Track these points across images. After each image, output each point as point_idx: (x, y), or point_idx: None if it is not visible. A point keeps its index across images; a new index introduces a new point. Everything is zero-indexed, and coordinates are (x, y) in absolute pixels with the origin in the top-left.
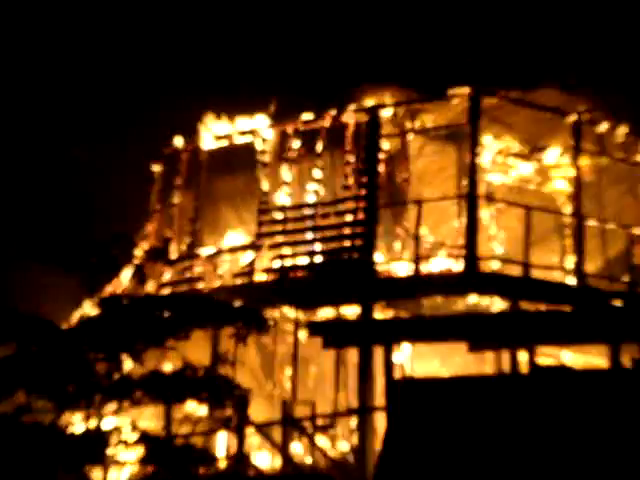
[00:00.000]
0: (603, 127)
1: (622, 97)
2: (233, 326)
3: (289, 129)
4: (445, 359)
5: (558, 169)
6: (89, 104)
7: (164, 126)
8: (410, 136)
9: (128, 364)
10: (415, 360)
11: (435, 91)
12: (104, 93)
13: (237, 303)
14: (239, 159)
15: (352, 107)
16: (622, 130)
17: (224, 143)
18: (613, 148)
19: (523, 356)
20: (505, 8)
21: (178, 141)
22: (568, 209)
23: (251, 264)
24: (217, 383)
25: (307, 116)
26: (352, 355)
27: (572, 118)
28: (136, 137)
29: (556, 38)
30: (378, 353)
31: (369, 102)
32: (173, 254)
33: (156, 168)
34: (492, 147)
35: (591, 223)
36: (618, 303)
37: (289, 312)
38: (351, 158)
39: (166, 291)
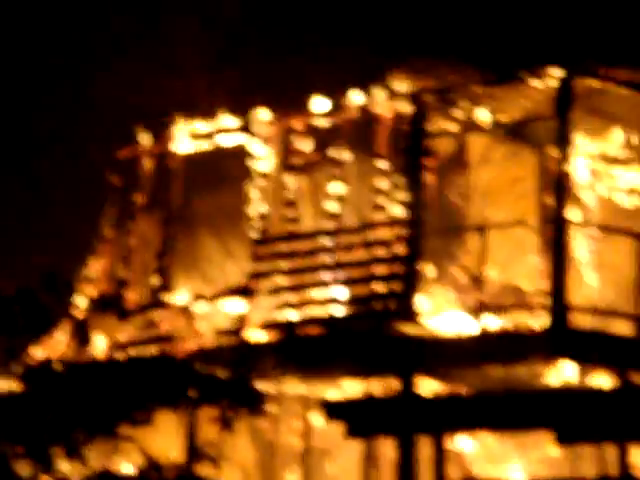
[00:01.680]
0: None
1: None
2: (216, 405)
3: (297, 125)
4: (524, 455)
5: None
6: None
7: (124, 120)
8: (470, 134)
9: (63, 463)
10: (480, 456)
11: (507, 71)
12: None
13: (222, 372)
14: (226, 168)
15: (387, 93)
16: None
17: (205, 145)
18: None
19: (637, 453)
20: None
21: (141, 140)
22: None
23: (242, 317)
24: None
25: (322, 106)
26: (387, 448)
27: None
28: (79, 136)
29: None
30: (425, 445)
31: (410, 85)
32: (131, 303)
33: (110, 179)
34: (589, 150)
35: None
36: None
37: (297, 386)
38: (385, 166)
39: (121, 356)
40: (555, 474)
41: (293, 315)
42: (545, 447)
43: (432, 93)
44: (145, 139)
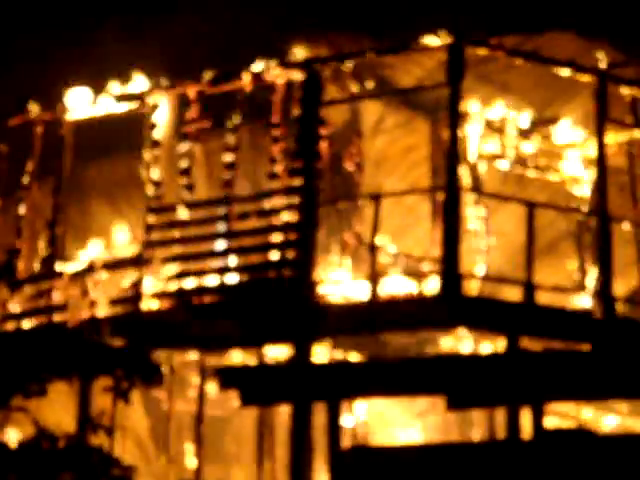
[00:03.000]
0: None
1: None
2: (110, 375)
3: (191, 92)
4: (417, 420)
5: (574, 149)
6: None
7: (14, 86)
8: (364, 103)
9: None
10: (373, 422)
11: (399, 39)
12: None
13: (116, 342)
14: (119, 135)
15: (280, 61)
16: None
17: (98, 112)
18: None
19: (526, 416)
20: None
21: (31, 108)
22: (588, 205)
23: (136, 286)
24: (86, 458)
25: (216, 75)
26: (282, 415)
27: (593, 75)
28: None
29: None
30: (319, 412)
31: (305, 54)
32: (22, 273)
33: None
34: (480, 118)
35: (621, 225)
36: None
37: (191, 355)
38: (280, 134)
39: (11, 326)
40: (448, 438)
41: (188, 284)
42: (438, 412)
43: (325, 61)
44: (36, 107)
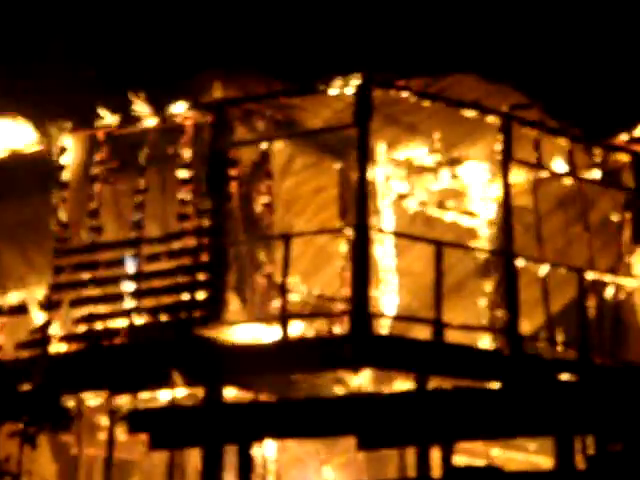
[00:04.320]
0: (541, 130)
1: (566, 90)
2: (17, 421)
3: (100, 134)
4: (329, 460)
5: (480, 188)
6: None
7: None
8: (273, 144)
9: None
10: (286, 462)
11: (308, 81)
12: None
13: (23, 386)
14: (28, 178)
15: (190, 102)
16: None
17: (3, 153)
18: (556, 159)
19: (436, 454)
20: None
21: None
22: (494, 245)
23: (44, 329)
24: None
25: (124, 116)
26: (193, 457)
27: (498, 117)
28: None
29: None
30: (231, 454)
31: (216, 95)
32: None
33: None
34: (388, 158)
35: (526, 264)
36: (566, 377)
37: (101, 398)
38: (189, 175)
39: None
40: (360, 477)
41: (97, 326)
42: (349, 452)
43: (234, 103)
44: None
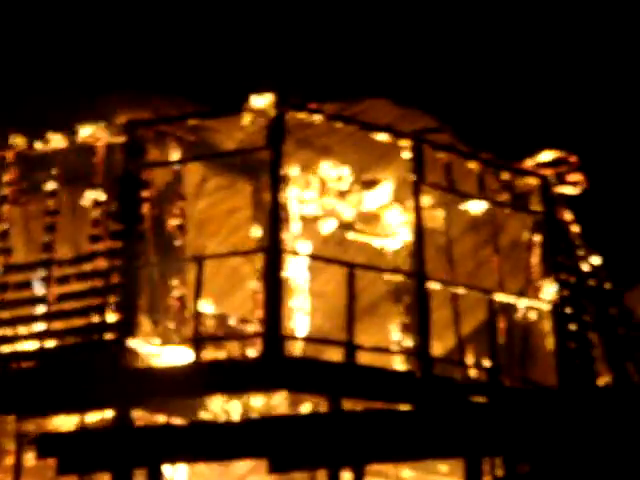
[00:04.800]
0: (451, 154)
1: (476, 115)
2: None
3: (8, 155)
4: None
5: (392, 211)
6: None
7: None
8: (186, 165)
9: None
10: None
11: (221, 103)
12: None
13: None
14: None
15: (102, 124)
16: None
17: None
18: (466, 183)
19: (347, 477)
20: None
21: None
22: (406, 267)
23: None
24: None
25: (33, 137)
26: None
27: (410, 140)
28: None
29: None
30: (140, 478)
31: (127, 117)
32: None
33: None
34: (301, 181)
35: (437, 286)
36: (478, 399)
37: (8, 422)
38: (100, 197)
39: None
40: None
41: (5, 349)
42: (260, 474)
43: (147, 124)
44: None
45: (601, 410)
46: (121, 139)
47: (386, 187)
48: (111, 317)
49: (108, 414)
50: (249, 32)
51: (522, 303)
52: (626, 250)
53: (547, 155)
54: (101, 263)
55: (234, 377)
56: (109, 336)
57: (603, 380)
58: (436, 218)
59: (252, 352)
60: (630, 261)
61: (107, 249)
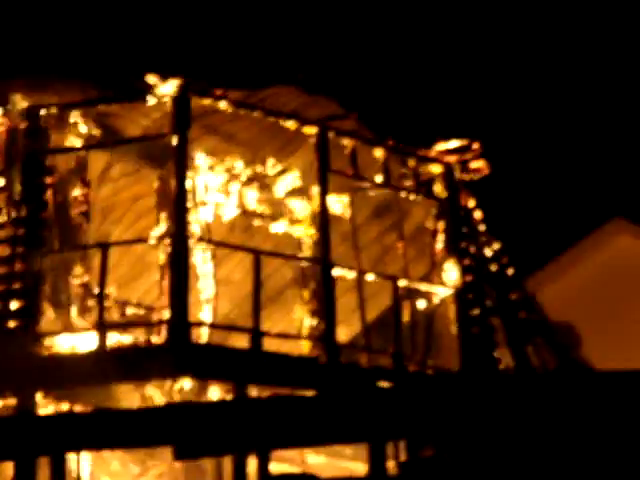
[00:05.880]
0: (356, 141)
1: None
2: None
3: None
4: (147, 471)
5: (298, 198)
6: None
7: None
8: (90, 151)
9: None
10: (103, 474)
11: (125, 88)
12: None
13: None
14: None
15: (1, 109)
16: (382, 145)
17: None
18: (372, 169)
19: (253, 463)
20: None
21: None
22: (312, 254)
23: None
24: None
25: None
26: (6, 470)
27: (315, 126)
28: None
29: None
30: (45, 466)
31: (29, 102)
32: None
33: None
34: (207, 167)
35: (342, 272)
36: (382, 385)
37: None
38: (3, 183)
39: None
40: None
41: None
42: (168, 462)
43: (49, 109)
44: None
45: (502, 394)
46: (22, 124)
47: (292, 174)
48: (14, 304)
49: (10, 402)
50: (155, 17)
51: (426, 289)
52: (527, 236)
53: (451, 143)
54: (4, 250)
55: (139, 364)
56: (12, 323)
57: (504, 364)
58: (342, 205)
59: (157, 339)
60: (531, 247)
61: (10, 236)
